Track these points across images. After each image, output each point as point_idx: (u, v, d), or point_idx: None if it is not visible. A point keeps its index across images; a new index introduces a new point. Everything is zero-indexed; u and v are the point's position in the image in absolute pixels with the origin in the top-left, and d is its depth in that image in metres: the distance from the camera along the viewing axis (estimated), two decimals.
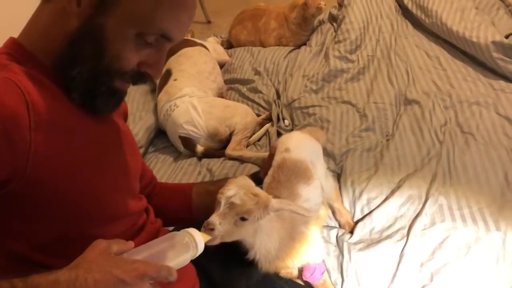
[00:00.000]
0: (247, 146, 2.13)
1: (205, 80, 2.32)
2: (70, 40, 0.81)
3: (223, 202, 0.92)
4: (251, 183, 1.01)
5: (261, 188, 1.14)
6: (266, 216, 0.98)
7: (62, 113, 0.82)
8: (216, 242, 0.90)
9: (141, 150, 2.17)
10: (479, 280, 1.29)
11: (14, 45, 0.84)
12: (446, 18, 2.31)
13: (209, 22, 4.09)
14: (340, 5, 2.80)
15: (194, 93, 2.16)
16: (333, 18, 2.82)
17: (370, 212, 1.54)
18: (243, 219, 0.93)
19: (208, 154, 2.09)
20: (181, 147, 2.13)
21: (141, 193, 1.10)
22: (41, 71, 0.82)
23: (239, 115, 2.12)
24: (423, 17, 2.47)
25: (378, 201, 1.57)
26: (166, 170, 2.07)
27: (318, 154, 1.37)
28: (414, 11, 2.55)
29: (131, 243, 0.76)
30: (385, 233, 1.46)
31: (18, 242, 0.81)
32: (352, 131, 1.95)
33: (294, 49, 2.74)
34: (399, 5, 2.71)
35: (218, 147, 2.15)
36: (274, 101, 2.32)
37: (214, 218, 0.90)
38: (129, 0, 0.79)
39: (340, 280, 1.38)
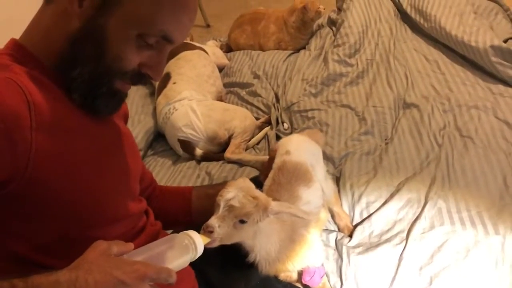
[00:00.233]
0: (246, 150, 2.13)
1: (204, 83, 2.32)
2: (71, 41, 0.81)
3: (222, 204, 0.92)
4: (251, 185, 1.01)
5: (261, 190, 1.14)
6: (265, 218, 0.98)
7: (63, 114, 0.82)
8: (215, 244, 0.90)
9: (140, 153, 2.16)
10: (478, 284, 1.29)
11: (15, 46, 0.84)
12: (445, 22, 2.32)
13: (208, 25, 4.10)
14: (339, 9, 2.81)
15: (193, 97, 2.16)
16: (332, 22, 2.83)
17: (369, 216, 1.54)
18: (242, 221, 0.93)
19: (207, 157, 2.09)
20: (180, 150, 2.13)
21: (141, 195, 1.10)
22: (42, 72, 0.82)
23: (238, 119, 2.13)
24: (422, 21, 2.48)
25: (377, 204, 1.58)
26: (165, 173, 2.07)
27: (318, 156, 1.37)
28: (413, 15, 2.55)
29: (131, 245, 0.76)
30: (384, 237, 1.46)
31: (18, 242, 0.81)
32: (351, 135, 1.95)
33: (293, 53, 2.74)
34: (398, 10, 2.72)
35: (217, 150, 2.15)
36: (273, 105, 2.33)
37: (213, 221, 0.90)
38: (131, 1, 0.79)
39: (339, 283, 1.38)
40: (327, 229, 1.54)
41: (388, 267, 1.37)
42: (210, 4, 4.15)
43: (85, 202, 0.84)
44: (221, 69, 2.74)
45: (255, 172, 1.89)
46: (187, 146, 2.10)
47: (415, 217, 1.49)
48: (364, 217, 1.55)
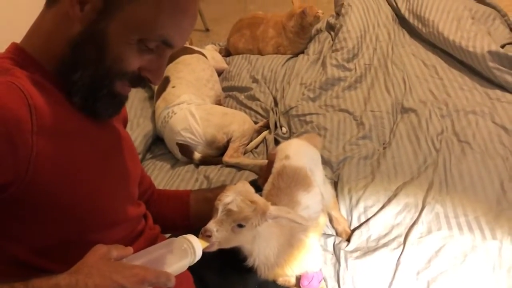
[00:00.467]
0: (244, 154, 2.13)
1: (203, 87, 2.32)
2: (72, 45, 0.82)
3: (220, 208, 0.93)
4: (250, 189, 1.01)
5: (260, 194, 1.14)
6: (264, 223, 0.98)
7: (63, 117, 0.82)
8: (214, 248, 0.90)
9: (139, 157, 2.16)
10: None
11: (16, 50, 0.85)
12: (443, 27, 2.33)
13: (207, 30, 4.10)
14: (338, 14, 2.82)
15: (192, 100, 2.17)
16: (330, 27, 2.84)
17: (367, 220, 1.54)
18: (240, 225, 0.93)
19: (206, 161, 2.10)
20: (178, 154, 2.13)
21: (140, 199, 1.10)
22: (43, 75, 0.82)
23: (237, 123, 2.13)
24: (420, 26, 2.49)
25: (375, 209, 1.58)
26: (164, 177, 2.07)
27: (317, 161, 1.37)
28: (411, 20, 2.56)
29: (130, 249, 0.76)
30: (382, 241, 1.47)
31: (18, 246, 0.81)
32: (349, 139, 1.96)
33: (291, 57, 2.75)
34: (396, 15, 2.73)
35: (216, 154, 2.15)
36: (272, 109, 2.33)
37: (211, 225, 0.90)
38: (132, 6, 0.79)
39: None
40: (325, 234, 1.54)
41: (386, 271, 1.37)
42: (209, 8, 4.17)
43: (84, 205, 0.84)
44: (220, 73, 2.75)
45: (253, 176, 1.90)
46: (186, 150, 2.10)
47: (412, 221, 1.50)
48: (362, 221, 1.56)
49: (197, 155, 2.09)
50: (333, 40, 2.68)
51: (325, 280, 1.39)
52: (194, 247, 0.82)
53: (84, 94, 0.85)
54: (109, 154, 0.95)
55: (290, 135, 2.13)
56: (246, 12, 3.61)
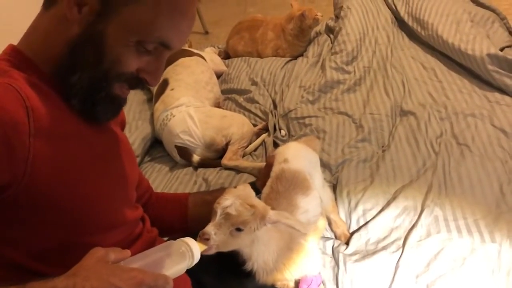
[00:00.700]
0: (243, 156, 2.13)
1: (202, 90, 2.32)
2: (70, 47, 0.82)
3: (219, 212, 0.92)
4: (251, 192, 1.01)
5: (259, 197, 1.14)
6: (262, 227, 0.98)
7: (61, 120, 0.82)
8: (212, 251, 0.90)
9: (137, 160, 2.16)
10: None
11: (13, 51, 0.84)
12: (442, 30, 2.33)
13: (207, 32, 4.11)
14: (337, 17, 2.82)
15: (191, 103, 2.16)
16: (329, 30, 2.84)
17: (366, 223, 1.54)
18: (238, 229, 0.93)
19: (204, 163, 2.09)
20: (177, 157, 2.13)
21: (137, 202, 1.10)
22: (40, 77, 0.82)
23: (236, 125, 2.13)
24: (419, 29, 2.49)
25: (374, 212, 1.58)
26: (162, 180, 2.07)
27: (316, 164, 1.37)
28: (410, 23, 2.57)
29: (128, 252, 0.76)
30: (381, 244, 1.46)
31: (15, 250, 0.80)
32: (348, 142, 1.96)
33: (291, 60, 2.75)
34: (395, 17, 2.74)
35: (214, 157, 2.15)
36: (271, 111, 2.33)
37: (210, 228, 0.90)
38: (129, 8, 0.79)
39: None
40: (324, 237, 1.53)
41: (385, 274, 1.37)
42: (208, 11, 4.17)
43: (81, 208, 0.84)
44: (219, 75, 2.75)
45: (252, 179, 1.89)
46: (185, 152, 2.10)
47: (411, 224, 1.49)
48: (360, 224, 1.55)
49: (195, 158, 2.09)
50: (332, 43, 2.69)
51: (324, 284, 1.38)
52: (192, 250, 0.82)
53: (82, 96, 0.84)
54: (106, 157, 0.94)
55: (289, 137, 2.13)
56: (245, 15, 3.61)
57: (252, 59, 2.80)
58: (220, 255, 0.93)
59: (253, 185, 1.26)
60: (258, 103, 2.42)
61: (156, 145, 2.34)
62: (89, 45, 0.81)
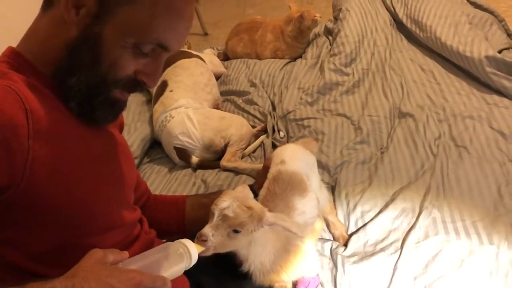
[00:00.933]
0: (242, 158, 2.13)
1: (201, 91, 2.33)
2: (69, 49, 0.82)
3: (216, 213, 0.93)
4: (249, 194, 1.01)
5: (257, 199, 1.14)
6: (259, 229, 0.98)
7: (59, 122, 0.82)
8: (209, 253, 0.90)
9: (136, 161, 2.17)
10: None
11: (12, 54, 0.85)
12: (440, 32, 2.34)
13: (206, 34, 4.11)
14: (336, 19, 2.83)
15: (190, 104, 2.17)
16: (328, 32, 2.85)
17: (364, 225, 1.54)
18: (236, 231, 0.93)
19: (203, 165, 2.10)
20: (176, 158, 2.13)
21: (135, 204, 1.10)
22: (39, 80, 0.82)
23: (235, 127, 2.13)
24: (417, 31, 2.50)
25: (372, 214, 1.58)
26: (161, 181, 2.07)
27: (313, 166, 1.37)
28: (408, 25, 2.57)
29: (126, 253, 0.76)
30: (379, 246, 1.46)
31: (14, 251, 0.80)
32: (347, 144, 1.96)
33: (289, 62, 2.76)
34: (394, 20, 2.74)
35: (213, 158, 2.15)
36: (270, 113, 2.34)
37: (207, 230, 0.90)
38: (126, 9, 0.79)
39: None
40: (322, 238, 1.54)
41: (383, 276, 1.37)
42: (208, 13, 4.18)
43: (80, 210, 0.84)
44: (218, 77, 2.75)
45: (251, 180, 1.89)
46: (183, 154, 2.10)
47: (409, 226, 1.50)
48: (359, 226, 1.56)
49: (194, 159, 2.09)
50: (331, 44, 2.69)
51: (322, 285, 1.38)
52: (190, 251, 0.82)
53: (80, 99, 0.85)
54: (104, 159, 0.95)
55: (288, 139, 2.14)
56: (244, 16, 3.61)
57: (251, 61, 2.81)
58: (217, 257, 0.94)
59: (251, 187, 1.26)
60: (257, 104, 2.42)
61: (155, 146, 2.34)
62: (86, 47, 0.81)
